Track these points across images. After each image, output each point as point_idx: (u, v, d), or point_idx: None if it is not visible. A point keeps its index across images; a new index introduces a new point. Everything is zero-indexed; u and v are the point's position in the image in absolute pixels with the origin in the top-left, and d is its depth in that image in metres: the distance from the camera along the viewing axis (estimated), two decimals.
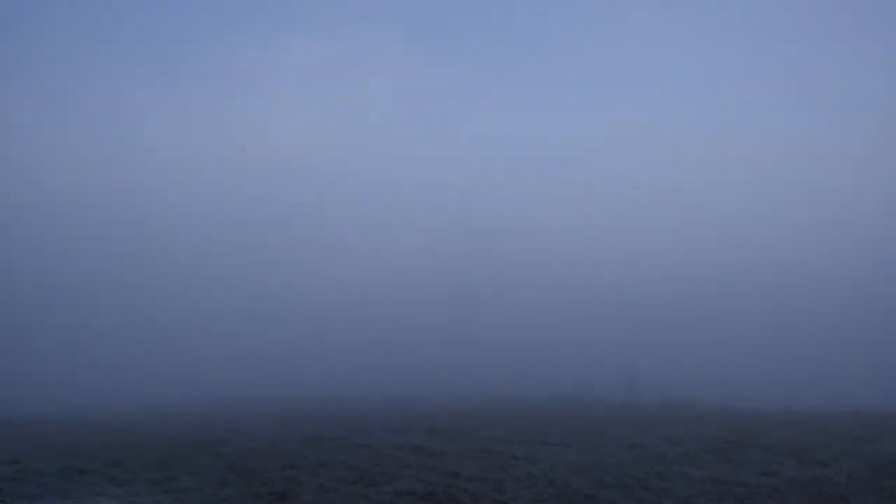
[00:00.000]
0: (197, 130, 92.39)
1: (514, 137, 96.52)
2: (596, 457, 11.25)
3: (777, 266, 55.48)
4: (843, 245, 56.63)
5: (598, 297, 53.69)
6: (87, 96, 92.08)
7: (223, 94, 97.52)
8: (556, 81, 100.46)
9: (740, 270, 56.58)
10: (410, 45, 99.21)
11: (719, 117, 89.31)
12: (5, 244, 57.51)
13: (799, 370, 32.55)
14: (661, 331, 44.93)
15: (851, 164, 68.72)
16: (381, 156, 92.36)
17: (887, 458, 10.89)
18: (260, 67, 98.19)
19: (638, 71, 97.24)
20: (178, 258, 64.56)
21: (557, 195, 79.04)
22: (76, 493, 9.40)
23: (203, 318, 57.47)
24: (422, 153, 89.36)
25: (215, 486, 9.52)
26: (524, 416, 19.58)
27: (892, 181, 71.79)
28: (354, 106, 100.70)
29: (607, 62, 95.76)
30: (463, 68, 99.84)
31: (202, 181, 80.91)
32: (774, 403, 21.82)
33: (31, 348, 46.64)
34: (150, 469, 11.00)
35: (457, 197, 76.76)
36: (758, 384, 29.21)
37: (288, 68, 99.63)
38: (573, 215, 72.61)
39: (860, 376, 28.97)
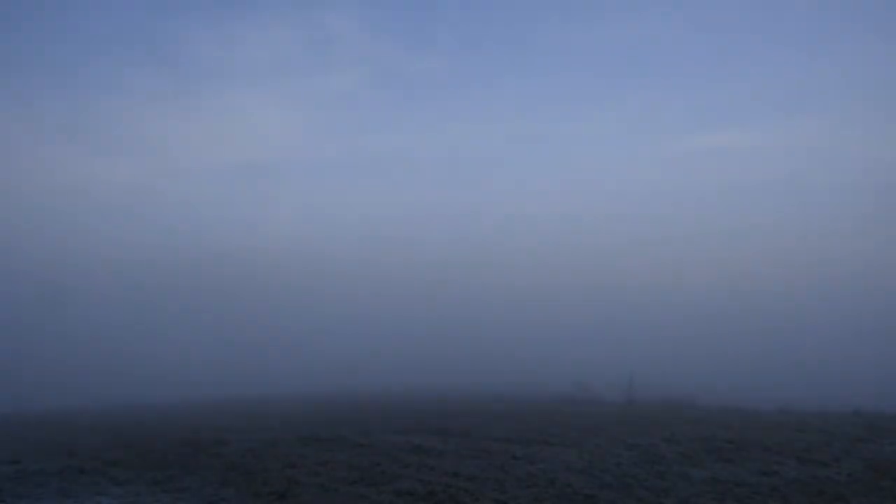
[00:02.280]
0: (163, 128, 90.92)
1: (503, 131, 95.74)
2: (596, 457, 11.24)
3: (776, 267, 55.57)
4: (843, 246, 56.68)
5: (598, 298, 53.73)
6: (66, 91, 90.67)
7: (186, 89, 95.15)
8: (539, 70, 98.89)
9: (740, 271, 56.68)
10: (378, 32, 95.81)
11: (719, 118, 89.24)
12: (4, 245, 57.59)
13: (799, 370, 32.55)
14: (660, 331, 44.98)
15: (852, 164, 68.73)
16: (358, 151, 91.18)
17: (887, 458, 10.89)
18: (217, 60, 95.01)
19: (634, 66, 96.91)
20: (176, 258, 64.60)
21: (551, 190, 78.76)
22: (76, 493, 9.40)
23: (202, 318, 57.50)
24: (403, 150, 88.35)
25: (215, 486, 9.52)
26: (524, 416, 19.57)
27: (892, 182, 71.83)
28: (320, 97, 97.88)
29: (596, 54, 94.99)
30: (441, 56, 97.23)
31: (191, 181, 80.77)
32: (774, 403, 21.83)
33: (32, 348, 46.66)
34: (150, 469, 11.00)
35: (446, 195, 76.62)
36: (758, 384, 29.21)
37: (245, 60, 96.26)
38: (570, 213, 72.52)
39: (860, 376, 28.96)
